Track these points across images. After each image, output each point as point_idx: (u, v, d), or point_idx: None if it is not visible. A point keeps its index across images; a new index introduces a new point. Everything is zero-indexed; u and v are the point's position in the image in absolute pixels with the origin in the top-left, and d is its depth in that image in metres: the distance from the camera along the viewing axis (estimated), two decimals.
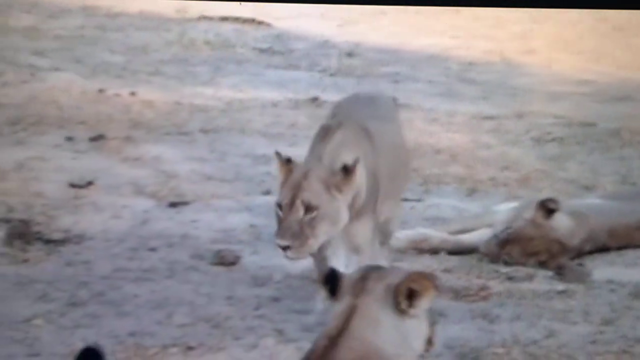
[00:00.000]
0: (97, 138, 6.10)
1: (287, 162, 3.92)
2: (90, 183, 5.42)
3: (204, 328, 4.01)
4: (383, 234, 4.38)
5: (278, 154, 3.99)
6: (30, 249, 4.90)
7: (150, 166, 5.63)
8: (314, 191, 3.82)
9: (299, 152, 6.04)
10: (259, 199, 5.46)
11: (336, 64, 7.49)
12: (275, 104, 6.87)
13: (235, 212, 5.04)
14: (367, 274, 2.66)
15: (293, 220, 3.80)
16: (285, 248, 3.79)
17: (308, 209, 3.80)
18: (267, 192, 5.51)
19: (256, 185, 5.66)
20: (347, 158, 3.91)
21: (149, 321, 4.00)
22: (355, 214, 3.96)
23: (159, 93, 6.90)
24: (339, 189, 3.85)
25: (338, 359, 2.50)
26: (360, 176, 3.92)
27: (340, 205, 3.86)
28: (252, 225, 4.99)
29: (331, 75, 7.31)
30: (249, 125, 6.50)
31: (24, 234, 4.99)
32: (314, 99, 6.93)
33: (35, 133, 6.14)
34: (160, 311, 3.96)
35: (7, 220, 5.12)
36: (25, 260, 4.81)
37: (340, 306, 2.58)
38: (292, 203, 3.81)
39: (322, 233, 3.84)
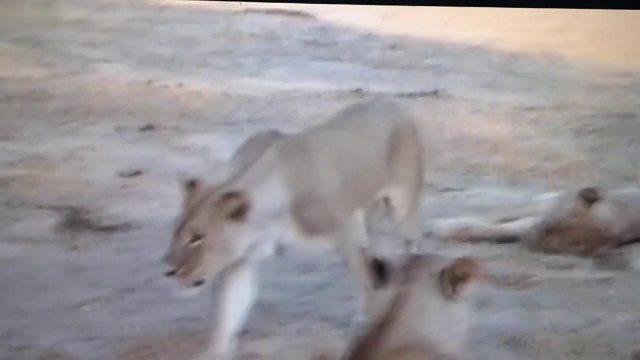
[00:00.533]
0: (146, 128, 6.17)
1: (191, 185, 3.65)
2: (138, 172, 5.48)
3: (254, 313, 3.99)
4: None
5: (180, 179, 3.72)
6: (80, 237, 4.97)
7: (199, 156, 5.68)
8: (202, 219, 3.56)
9: None
10: None
11: (380, 56, 7.48)
12: (319, 95, 6.88)
13: None
14: (412, 262, 2.66)
15: (179, 248, 3.55)
16: (169, 274, 3.56)
17: (195, 237, 3.55)
18: None
19: None
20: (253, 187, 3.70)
21: (198, 307, 4.00)
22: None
23: (207, 84, 6.92)
24: (235, 218, 3.58)
25: (386, 346, 2.50)
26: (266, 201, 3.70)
27: (230, 235, 3.58)
28: None
29: (375, 67, 7.31)
30: (294, 116, 6.51)
31: (74, 222, 5.07)
32: (358, 91, 6.93)
33: (85, 123, 6.20)
34: (209, 297, 3.87)
35: (57, 209, 5.20)
36: (75, 248, 4.88)
37: (386, 295, 2.58)
38: (180, 230, 3.58)
39: (209, 262, 3.58)
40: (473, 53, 7.67)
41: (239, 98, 6.77)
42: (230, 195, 3.57)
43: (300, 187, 3.76)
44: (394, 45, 7.66)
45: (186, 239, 3.54)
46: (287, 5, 7.48)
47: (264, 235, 3.70)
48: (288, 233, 3.75)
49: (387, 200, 4.08)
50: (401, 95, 6.83)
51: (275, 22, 7.90)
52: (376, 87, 6.94)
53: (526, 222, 4.97)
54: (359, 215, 3.90)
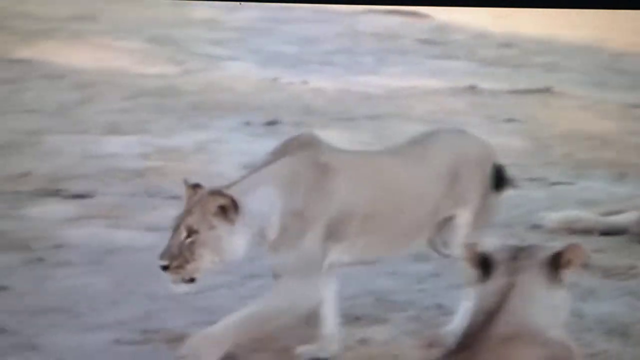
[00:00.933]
0: (272, 123, 6.30)
1: (194, 187, 3.75)
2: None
3: (369, 300, 4.15)
4: None
5: (185, 181, 3.83)
6: None
7: None
8: (196, 216, 3.63)
9: None
10: None
11: (493, 54, 7.49)
12: (435, 92, 6.91)
13: None
14: (517, 253, 2.72)
15: (175, 243, 3.64)
16: (164, 268, 3.64)
17: (189, 233, 3.63)
18: None
19: None
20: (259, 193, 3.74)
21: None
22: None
23: (329, 81, 7.01)
24: (225, 217, 3.64)
25: (494, 333, 2.57)
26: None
27: (222, 233, 3.64)
28: None
29: (487, 64, 7.32)
30: (411, 112, 6.55)
31: None
32: (472, 87, 6.97)
33: (214, 117, 6.34)
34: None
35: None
36: None
37: (493, 285, 2.65)
38: (177, 226, 3.66)
39: (201, 259, 3.63)
40: (581, 51, 7.59)
41: (357, 94, 6.83)
42: (214, 193, 3.65)
43: (293, 203, 3.74)
44: (507, 43, 7.67)
45: (182, 235, 3.63)
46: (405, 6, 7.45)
47: (261, 240, 3.77)
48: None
49: (451, 219, 3.99)
50: (513, 92, 6.85)
51: (393, 21, 7.93)
52: (488, 84, 6.96)
53: (632, 214, 4.98)
54: (331, 252, 3.77)
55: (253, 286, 4.40)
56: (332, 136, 6.11)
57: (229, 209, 3.62)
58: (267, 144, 5.97)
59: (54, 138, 5.85)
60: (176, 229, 3.65)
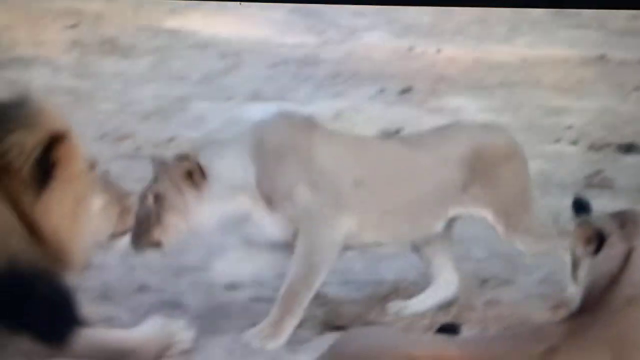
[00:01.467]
0: (406, 90, 6.33)
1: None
2: (397, 131, 5.54)
3: (497, 262, 4.11)
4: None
5: (153, 158, 3.74)
6: None
7: (451, 116, 5.61)
8: (164, 182, 3.55)
9: (588, 105, 6.09)
10: (549, 147, 5.49)
11: (623, 24, 7.32)
12: (565, 61, 6.85)
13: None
14: (623, 219, 2.76)
15: (141, 209, 3.51)
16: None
17: (156, 199, 3.53)
18: (558, 140, 5.59)
19: (548, 134, 5.66)
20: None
21: None
22: None
23: (461, 50, 7.03)
24: (193, 183, 3.54)
25: (621, 294, 2.64)
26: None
27: (190, 200, 3.54)
28: (542, 171, 4.89)
29: (619, 35, 7.17)
30: (542, 80, 6.51)
31: None
32: (602, 57, 6.92)
33: (351, 86, 6.41)
34: (459, 247, 4.01)
35: None
36: None
37: (611, 251, 2.70)
38: (144, 194, 3.56)
39: (168, 224, 3.53)
40: None
41: (489, 63, 6.82)
42: (181, 158, 3.57)
43: (266, 165, 3.61)
44: (635, 15, 7.33)
45: (149, 201, 3.54)
46: None
47: (233, 209, 3.64)
48: (257, 207, 3.64)
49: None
50: None
51: None
52: (619, 54, 6.88)
53: None
54: (343, 225, 3.62)
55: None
56: (464, 104, 6.31)
57: (195, 173, 3.52)
58: (401, 111, 6.16)
59: (199, 105, 5.99)
60: (143, 197, 3.55)
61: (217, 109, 5.94)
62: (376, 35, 7.25)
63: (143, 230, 3.52)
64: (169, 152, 5.12)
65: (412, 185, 3.71)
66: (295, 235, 3.58)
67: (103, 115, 5.73)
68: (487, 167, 3.73)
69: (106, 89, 6.05)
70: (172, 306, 3.80)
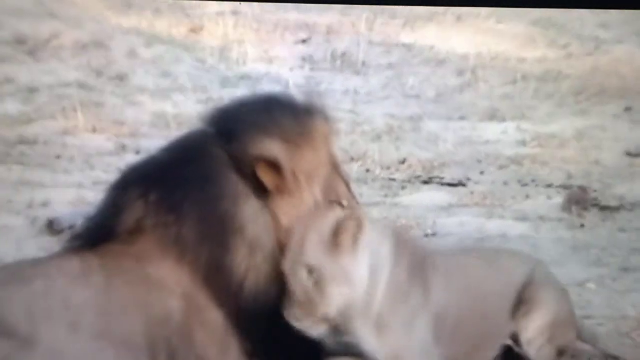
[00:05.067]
0: None
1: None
2: None
3: None
4: None
5: None
6: (587, 215, 5.13)
7: None
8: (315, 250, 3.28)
9: None
10: None
11: None
12: None
13: None
14: None
15: (297, 285, 3.25)
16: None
17: (310, 272, 3.23)
18: None
19: None
20: None
21: None
22: None
23: None
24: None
25: None
26: None
27: (347, 261, 3.25)
28: None
29: None
30: None
31: (581, 201, 5.24)
32: None
33: (596, 103, 6.32)
34: None
35: (566, 187, 5.39)
36: (582, 226, 5.04)
37: None
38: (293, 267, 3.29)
39: (331, 295, 3.25)
40: None
41: None
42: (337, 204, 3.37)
43: (400, 276, 3.37)
44: None
45: (302, 276, 3.25)
46: None
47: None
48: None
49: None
50: None
51: None
52: None
53: None
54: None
55: (626, 282, 4.43)
56: None
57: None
58: None
59: (432, 124, 6.07)
60: (293, 270, 3.26)
61: (450, 128, 6.02)
62: (624, 49, 7.02)
63: (305, 308, 3.25)
64: (401, 175, 5.49)
65: (493, 310, 3.57)
66: None
67: None
68: (531, 297, 3.59)
69: (336, 107, 6.11)
70: None
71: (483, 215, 5.15)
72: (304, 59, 6.85)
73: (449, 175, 5.55)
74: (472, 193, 5.39)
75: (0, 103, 5.70)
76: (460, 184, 5.49)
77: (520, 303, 3.56)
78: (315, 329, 3.23)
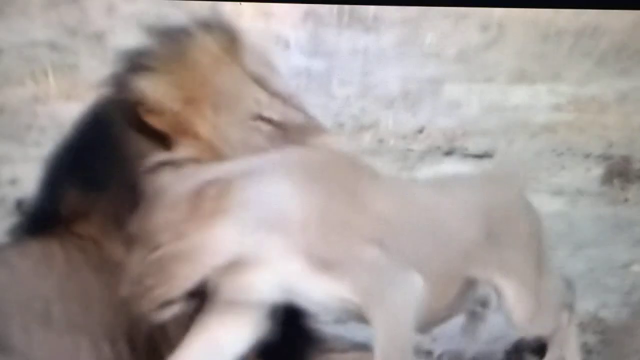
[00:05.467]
0: None
1: None
2: None
3: None
4: None
5: None
6: (630, 188, 5.03)
7: None
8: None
9: None
10: None
11: None
12: None
13: None
14: None
15: None
16: None
17: None
18: None
19: None
20: None
21: None
22: None
23: None
24: None
25: None
26: None
27: None
28: None
29: None
30: None
31: (624, 172, 5.12)
32: None
33: (638, 62, 6.00)
34: None
35: (606, 157, 5.25)
36: (625, 200, 4.97)
37: None
38: None
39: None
40: None
41: None
42: None
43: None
44: None
45: None
46: None
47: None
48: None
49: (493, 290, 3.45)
50: None
51: None
52: None
53: None
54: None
55: None
56: None
57: None
58: None
59: (453, 88, 5.83)
60: None
61: (474, 92, 5.76)
62: None
63: (140, 289, 3.11)
64: (418, 146, 5.27)
65: (445, 239, 3.37)
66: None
67: (340, 101, 5.68)
68: (502, 230, 3.44)
69: (344, 69, 5.93)
70: None
71: None
72: (306, 14, 6.41)
73: (474, 145, 5.42)
74: (500, 165, 5.11)
75: None
76: (486, 154, 5.37)
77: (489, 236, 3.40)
78: (157, 313, 3.00)
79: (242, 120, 3.37)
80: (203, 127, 3.32)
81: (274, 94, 3.46)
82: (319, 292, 3.08)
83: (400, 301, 3.10)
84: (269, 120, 3.35)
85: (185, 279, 2.98)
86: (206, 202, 2.96)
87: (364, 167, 3.30)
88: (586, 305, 4.33)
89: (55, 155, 3.44)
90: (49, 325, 3.15)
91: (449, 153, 5.36)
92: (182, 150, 3.24)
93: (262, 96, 3.42)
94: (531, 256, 3.50)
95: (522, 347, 3.79)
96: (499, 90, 5.77)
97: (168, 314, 3.00)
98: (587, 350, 4.22)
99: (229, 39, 3.42)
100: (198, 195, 2.97)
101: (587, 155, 5.32)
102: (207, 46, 3.36)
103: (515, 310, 3.42)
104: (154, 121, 3.25)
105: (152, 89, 3.25)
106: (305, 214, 3.04)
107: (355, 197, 3.16)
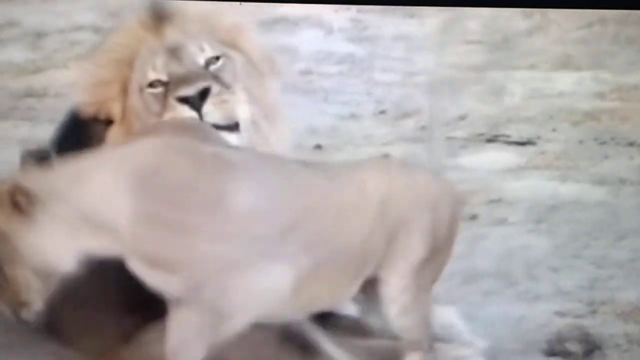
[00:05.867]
0: None
1: None
2: None
3: None
4: None
5: None
6: None
7: None
8: None
9: None
10: None
11: None
12: None
13: None
14: None
15: None
16: None
17: None
18: None
19: None
20: None
21: None
22: None
23: None
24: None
25: None
26: None
27: None
28: None
29: None
30: None
31: None
32: None
33: None
34: None
35: None
36: None
37: None
38: None
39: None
40: None
41: None
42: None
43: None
44: None
45: None
46: None
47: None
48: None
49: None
50: None
51: None
52: None
53: None
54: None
55: None
56: None
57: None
58: None
59: (497, 74, 5.76)
60: None
61: (517, 79, 5.70)
62: None
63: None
64: (461, 133, 5.25)
65: (337, 227, 3.32)
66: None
67: (382, 88, 5.63)
68: (399, 224, 3.38)
69: (386, 55, 5.84)
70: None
71: (555, 178, 5.01)
72: None
73: (516, 133, 5.33)
74: (542, 153, 5.19)
75: (3, 49, 5.52)
76: (529, 142, 5.28)
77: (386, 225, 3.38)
78: (22, 313, 3.14)
79: (141, 89, 3.53)
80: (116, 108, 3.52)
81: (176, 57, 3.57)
82: (156, 284, 3.15)
83: (240, 302, 3.16)
84: (158, 82, 3.49)
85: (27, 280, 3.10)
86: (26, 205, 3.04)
87: (222, 154, 3.26)
88: (628, 295, 4.31)
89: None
90: None
91: (491, 140, 5.31)
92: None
93: (159, 61, 3.55)
94: (423, 253, 3.45)
95: (565, 338, 3.79)
96: (542, 77, 5.71)
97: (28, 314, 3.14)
98: (629, 341, 4.21)
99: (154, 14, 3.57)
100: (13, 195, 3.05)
101: (630, 144, 5.25)
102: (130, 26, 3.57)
103: (392, 303, 3.40)
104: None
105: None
106: (132, 215, 3.07)
107: (203, 191, 3.13)
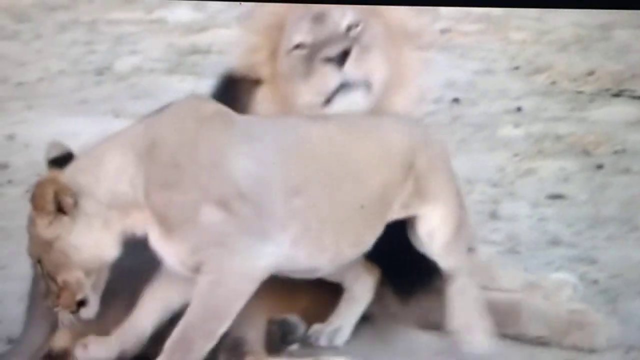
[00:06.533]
0: None
1: None
2: None
3: None
4: None
5: None
6: None
7: None
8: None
9: None
10: None
11: None
12: None
13: None
14: None
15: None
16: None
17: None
18: None
19: None
20: None
21: None
22: None
23: None
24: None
25: None
26: None
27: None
28: None
29: None
30: None
31: None
32: None
33: None
34: None
35: None
36: None
37: None
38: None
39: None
40: None
41: None
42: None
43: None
44: None
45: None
46: None
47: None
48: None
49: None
50: None
51: None
52: None
53: None
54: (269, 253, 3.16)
55: None
56: None
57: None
58: None
59: (623, 33, 5.83)
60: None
61: None
62: None
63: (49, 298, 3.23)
64: (589, 88, 5.34)
65: (354, 183, 3.35)
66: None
67: (516, 46, 5.77)
68: (423, 166, 3.42)
69: (521, 15, 5.95)
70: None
71: None
72: None
73: None
74: None
75: (172, 10, 5.79)
76: None
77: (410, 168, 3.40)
78: (81, 313, 3.21)
79: (288, 51, 3.72)
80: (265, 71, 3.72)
81: None
82: (168, 257, 3.15)
83: (236, 273, 3.11)
84: (304, 45, 3.65)
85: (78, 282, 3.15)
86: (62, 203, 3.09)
87: (225, 111, 3.29)
88: None
89: None
90: None
91: (617, 95, 5.31)
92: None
93: (305, 25, 3.75)
94: (453, 186, 3.47)
95: None
96: None
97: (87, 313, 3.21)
98: None
99: None
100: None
101: None
102: None
103: (436, 236, 3.40)
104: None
105: None
106: (145, 181, 3.12)
107: (204, 149, 3.14)
